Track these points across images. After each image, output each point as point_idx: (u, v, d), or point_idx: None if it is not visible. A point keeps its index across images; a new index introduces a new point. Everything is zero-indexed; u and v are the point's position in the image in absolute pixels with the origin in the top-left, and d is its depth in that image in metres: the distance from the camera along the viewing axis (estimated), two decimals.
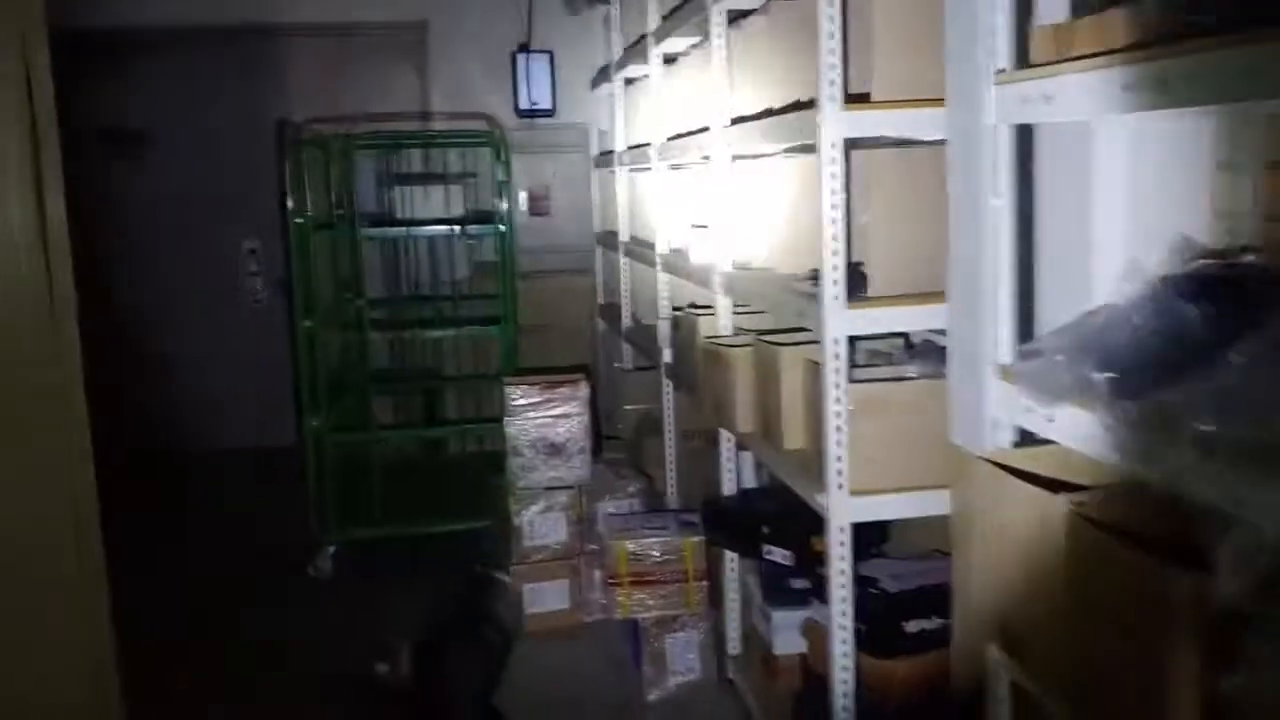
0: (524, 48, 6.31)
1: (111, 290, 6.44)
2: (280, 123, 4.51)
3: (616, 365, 5.66)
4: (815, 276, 2.51)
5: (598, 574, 3.93)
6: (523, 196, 6.38)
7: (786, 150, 3.12)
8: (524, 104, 6.28)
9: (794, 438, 2.83)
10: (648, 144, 4.43)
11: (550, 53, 6.31)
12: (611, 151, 5.40)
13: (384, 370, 4.87)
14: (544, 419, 3.97)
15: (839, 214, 2.42)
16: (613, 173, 5.41)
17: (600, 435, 4.41)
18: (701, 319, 3.45)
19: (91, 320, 2.57)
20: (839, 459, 2.48)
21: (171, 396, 6.56)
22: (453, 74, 6.29)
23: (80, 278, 2.48)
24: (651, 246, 4.50)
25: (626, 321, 5.31)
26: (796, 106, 2.74)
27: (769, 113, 2.97)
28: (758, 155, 3.34)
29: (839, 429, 2.47)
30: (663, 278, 4.35)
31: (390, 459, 5.01)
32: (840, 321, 2.44)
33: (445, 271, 5.23)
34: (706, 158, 3.56)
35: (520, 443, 3.96)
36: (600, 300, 6.20)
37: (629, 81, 5.14)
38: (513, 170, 4.94)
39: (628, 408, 5.05)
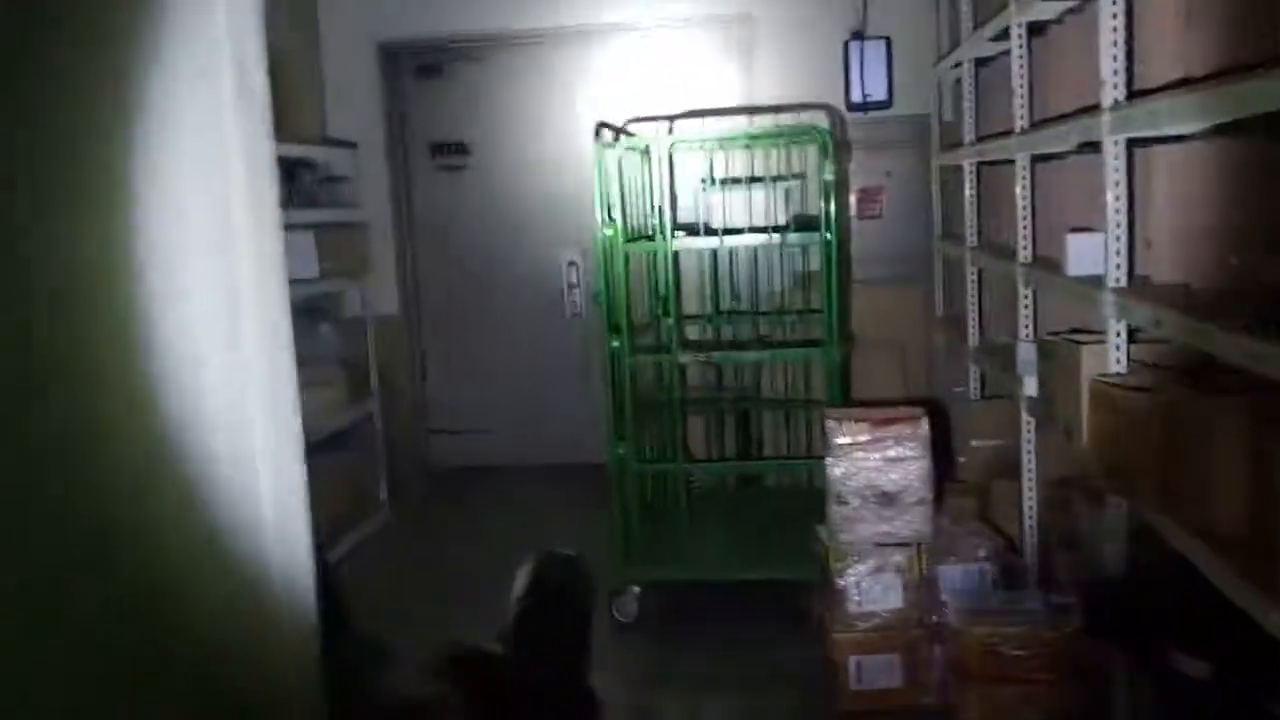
0: (857, 35, 5.67)
1: (421, 302, 6.49)
2: (598, 126, 4.17)
3: (958, 390, 4.91)
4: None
5: (938, 650, 3.26)
6: (852, 198, 5.76)
7: (1215, 129, 2.33)
8: (857, 96, 5.64)
9: (1230, 519, 2.06)
10: (1007, 131, 3.69)
11: (886, 38, 5.64)
12: (958, 144, 4.67)
13: (697, 394, 4.40)
14: (875, 462, 3.33)
15: None
16: (958, 168, 4.68)
17: (940, 476, 3.71)
18: (1085, 350, 2.70)
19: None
20: None
21: (491, 410, 6.51)
22: (779, 68, 5.75)
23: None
24: (1009, 253, 3.76)
25: (973, 340, 4.56)
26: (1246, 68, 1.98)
27: (1200, 80, 2.20)
28: (1166, 138, 2.56)
29: None
30: (1024, 291, 3.60)
31: (702, 492, 4.55)
32: None
33: (766, 283, 4.70)
34: (1092, 144, 2.81)
35: (845, 489, 3.35)
36: (939, 313, 5.45)
37: (980, 62, 4.39)
38: (843, 169, 4.33)
39: (974, 443, 4.30)
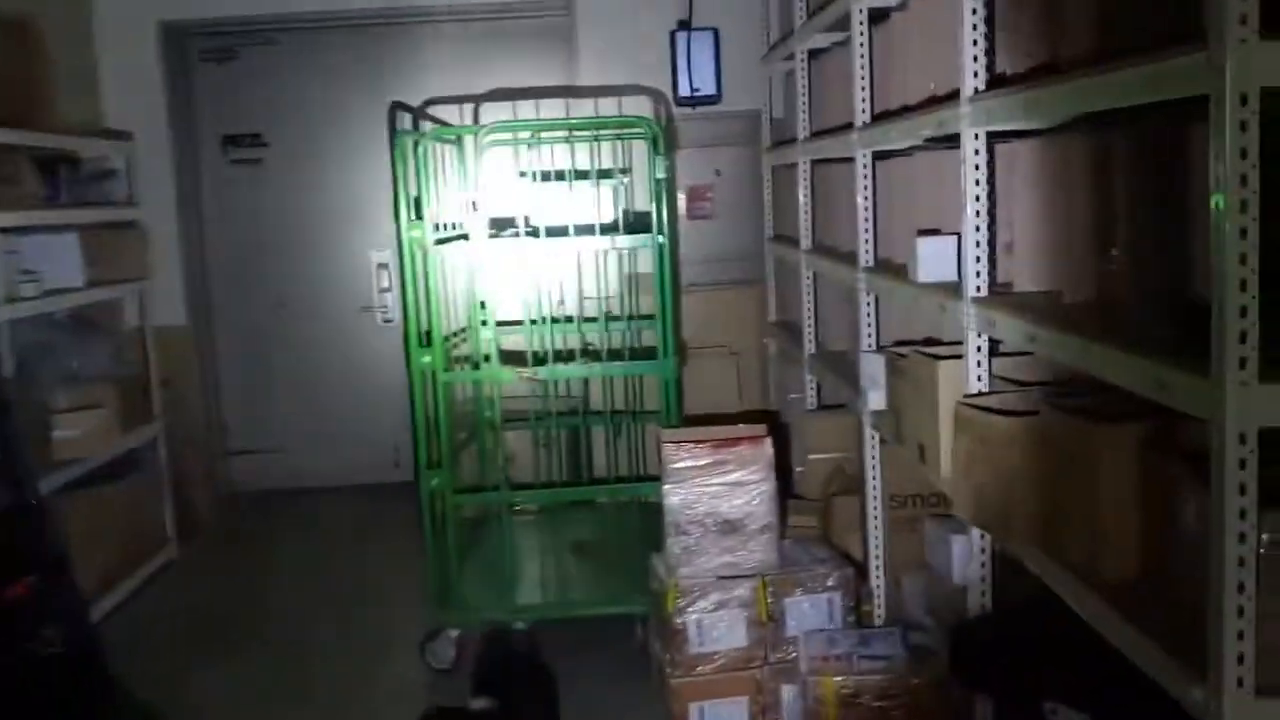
0: (684, 25, 5.40)
1: (212, 310, 5.89)
2: (393, 107, 3.69)
3: (794, 398, 4.68)
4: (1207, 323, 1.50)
5: (788, 691, 2.98)
6: (681, 197, 5.48)
7: (1085, 118, 2.10)
8: (685, 90, 5.36)
9: (1117, 559, 1.82)
10: (845, 126, 3.46)
11: (714, 29, 5.38)
12: (790, 140, 4.44)
13: (519, 412, 4.01)
14: (715, 487, 3.03)
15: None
16: (792, 166, 4.45)
17: (781, 493, 3.44)
18: (942, 366, 2.45)
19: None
20: (1239, 632, 1.47)
21: (295, 427, 5.96)
22: (602, 61, 5.42)
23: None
24: (847, 257, 3.53)
25: (809, 348, 4.33)
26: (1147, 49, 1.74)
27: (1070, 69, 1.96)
28: (1028, 131, 2.33)
29: (1240, 581, 1.46)
30: (866, 298, 3.37)
31: (530, 518, 4.17)
32: (1257, 405, 1.44)
33: (593, 287, 4.36)
34: (941, 139, 2.58)
35: (684, 518, 3.03)
36: (773, 318, 5.23)
37: (814, 54, 4.17)
38: (672, 166, 4.02)
39: (812, 457, 4.07)
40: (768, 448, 3.09)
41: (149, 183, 5.36)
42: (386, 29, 5.76)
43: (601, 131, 4.15)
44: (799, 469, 4.21)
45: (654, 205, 3.73)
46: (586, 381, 4.69)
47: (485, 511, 4.10)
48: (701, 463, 3.03)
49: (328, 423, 5.93)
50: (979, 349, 2.40)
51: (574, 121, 4.50)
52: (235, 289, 5.95)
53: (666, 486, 3.06)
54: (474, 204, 3.64)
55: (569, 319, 4.19)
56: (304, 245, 5.91)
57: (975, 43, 2.30)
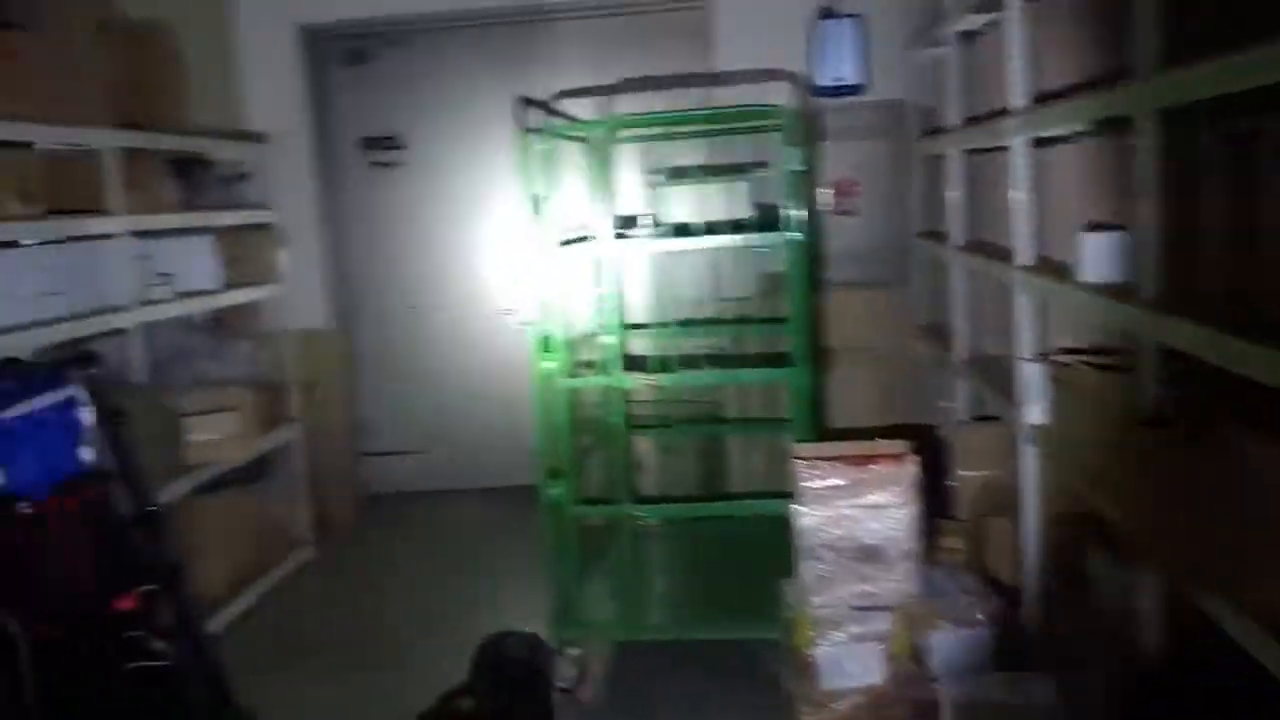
0: (826, 13, 5.12)
1: (352, 313, 5.90)
2: (519, 103, 3.54)
3: (944, 407, 4.36)
4: None
5: None
6: (825, 192, 5.20)
7: None
8: (826, 80, 5.09)
9: None
10: (1001, 112, 3.15)
11: (857, 16, 5.09)
12: (940, 129, 4.12)
13: (649, 418, 3.82)
14: (853, 509, 2.77)
15: None
16: (940, 158, 4.14)
17: (931, 511, 3.15)
18: (1108, 378, 2.14)
19: None
20: None
21: (430, 429, 5.94)
22: (741, 53, 5.19)
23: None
24: (1005, 254, 3.21)
25: (960, 354, 4.01)
26: None
27: None
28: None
29: None
30: (1024, 300, 3.05)
31: (658, 531, 3.96)
32: None
33: (727, 286, 4.13)
34: (1117, 120, 2.27)
35: (818, 542, 2.79)
36: (920, 320, 4.90)
37: (966, 36, 3.85)
38: (812, 159, 3.77)
39: (963, 473, 3.75)
40: (910, 467, 2.81)
41: (288, 186, 5.40)
42: (520, 26, 5.66)
43: (734, 123, 3.92)
44: (951, 485, 3.90)
45: (790, 200, 3.48)
46: (721, 387, 4.47)
47: (614, 520, 3.93)
48: (837, 483, 2.78)
49: (466, 425, 5.88)
50: (1153, 360, 2.08)
51: (704, 112, 4.28)
52: (374, 291, 5.95)
53: (798, 508, 2.82)
54: (601, 202, 3.47)
55: (701, 321, 3.99)
56: (443, 247, 5.86)
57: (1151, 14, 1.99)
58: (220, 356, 4.58)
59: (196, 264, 4.41)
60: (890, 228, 5.17)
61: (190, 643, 2.85)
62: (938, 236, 4.35)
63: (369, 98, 5.81)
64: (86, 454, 2.91)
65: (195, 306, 4.42)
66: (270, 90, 5.51)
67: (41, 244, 3.60)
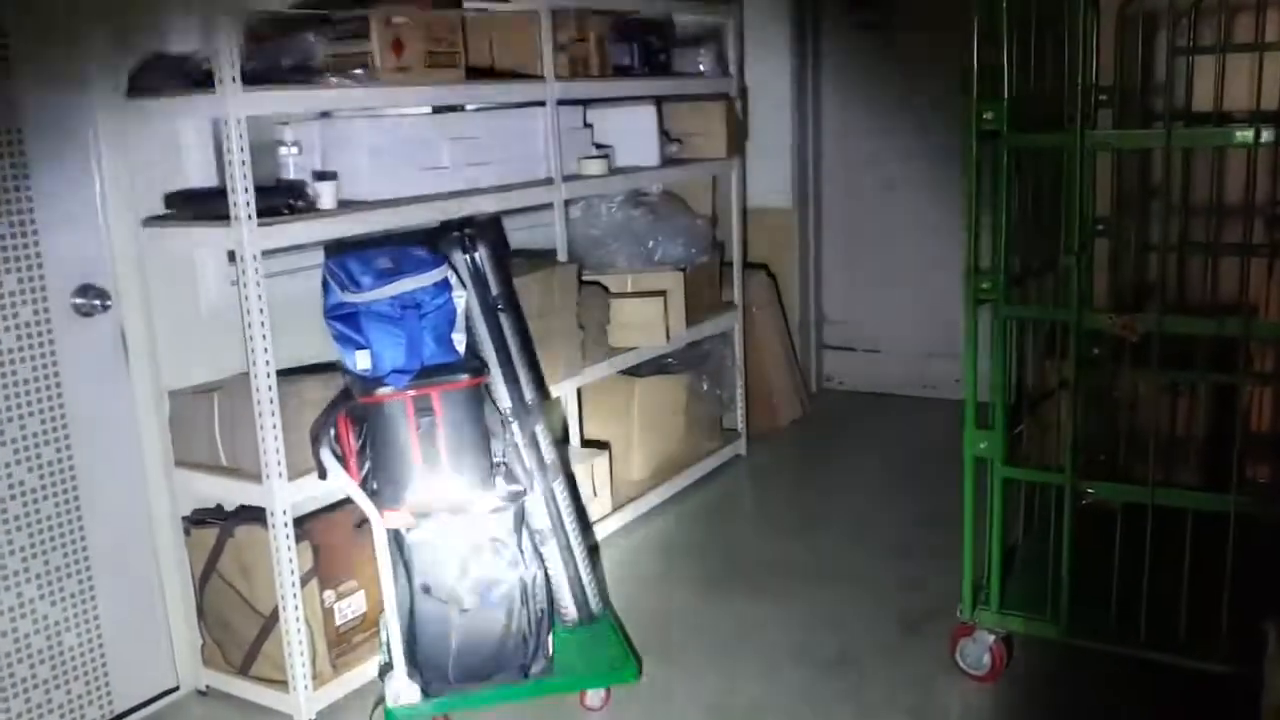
0: None
1: (831, 189, 5.35)
2: None
3: None
4: None
5: None
6: None
7: None
8: None
9: None
10: None
11: None
12: None
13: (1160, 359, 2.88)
14: None
15: None
16: None
17: None
18: None
19: None
20: None
21: (897, 326, 5.36)
22: None
23: None
24: None
25: None
26: None
27: None
28: None
29: None
30: None
31: (1120, 512, 3.06)
32: None
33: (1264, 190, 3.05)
34: None
35: None
36: None
37: None
38: None
39: None
40: None
41: (758, 51, 4.95)
42: None
43: None
44: None
45: None
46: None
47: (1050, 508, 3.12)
48: None
49: (933, 329, 5.21)
50: None
51: None
52: (844, 169, 5.38)
53: None
54: (1084, 76, 2.61)
55: (1199, 243, 2.98)
56: (923, 120, 5.09)
57: None
58: (658, 236, 4.30)
59: (640, 137, 4.12)
60: None
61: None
62: None
63: None
64: (459, 341, 2.74)
65: (634, 182, 4.16)
66: None
67: (469, 110, 3.49)
